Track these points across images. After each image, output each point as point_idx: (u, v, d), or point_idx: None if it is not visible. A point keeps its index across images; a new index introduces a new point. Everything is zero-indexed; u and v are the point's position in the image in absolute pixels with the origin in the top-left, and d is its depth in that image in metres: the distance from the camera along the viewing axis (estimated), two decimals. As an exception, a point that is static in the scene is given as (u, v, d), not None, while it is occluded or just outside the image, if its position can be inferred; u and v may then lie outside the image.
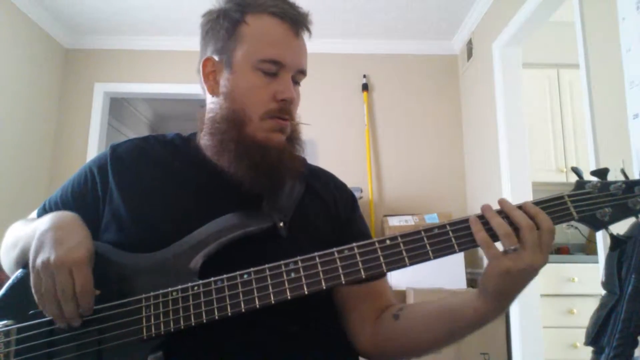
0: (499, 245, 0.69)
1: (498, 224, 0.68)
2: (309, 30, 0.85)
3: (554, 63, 3.21)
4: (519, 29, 2.54)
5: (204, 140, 0.85)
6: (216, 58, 0.84)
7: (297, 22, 0.83)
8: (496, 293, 0.69)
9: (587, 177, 0.75)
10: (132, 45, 3.54)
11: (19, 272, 0.78)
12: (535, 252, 0.66)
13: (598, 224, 0.71)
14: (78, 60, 3.55)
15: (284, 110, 0.81)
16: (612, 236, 0.72)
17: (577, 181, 0.74)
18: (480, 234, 0.68)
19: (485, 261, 0.70)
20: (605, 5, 1.77)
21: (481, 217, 0.70)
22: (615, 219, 0.71)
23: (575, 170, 0.75)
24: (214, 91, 0.84)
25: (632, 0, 1.59)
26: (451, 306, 0.76)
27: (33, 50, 3.19)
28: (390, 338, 0.82)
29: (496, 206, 0.71)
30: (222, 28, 0.83)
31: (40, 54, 3.28)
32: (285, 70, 0.81)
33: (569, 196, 0.72)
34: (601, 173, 0.74)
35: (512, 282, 0.67)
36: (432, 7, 3.10)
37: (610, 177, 0.74)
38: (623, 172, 0.74)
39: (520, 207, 0.70)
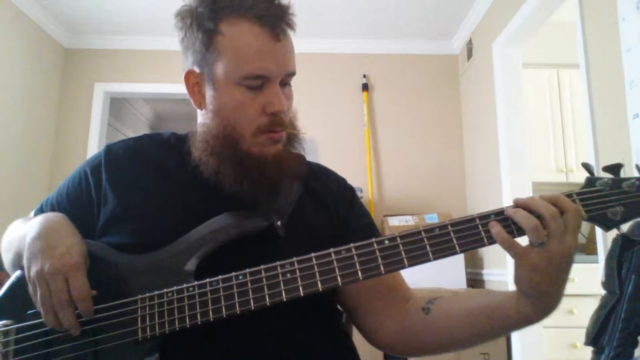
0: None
1: (524, 217, 0.64)
2: (291, 26, 0.78)
3: (554, 63, 3.21)
4: (519, 29, 2.54)
5: (197, 149, 0.82)
6: (197, 70, 0.79)
7: (278, 22, 0.75)
8: (534, 292, 0.65)
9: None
10: (132, 45, 3.54)
11: (18, 273, 0.78)
12: (563, 239, 0.62)
13: (609, 224, 0.67)
14: (78, 60, 3.55)
15: (275, 123, 0.77)
16: (624, 236, 0.69)
17: (587, 178, 0.69)
18: (500, 235, 0.65)
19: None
20: (605, 5, 1.77)
21: (496, 215, 0.67)
22: (628, 217, 0.66)
23: (586, 167, 0.71)
24: (201, 105, 0.81)
25: (632, 0, 1.59)
26: (492, 306, 0.72)
27: (33, 50, 3.19)
28: (420, 332, 0.79)
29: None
30: (197, 39, 0.77)
31: (40, 54, 3.28)
32: (271, 81, 0.76)
33: (578, 194, 0.68)
34: (613, 169, 0.69)
35: (545, 276, 0.63)
36: (432, 7, 3.10)
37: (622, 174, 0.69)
38: (638, 167, 0.69)
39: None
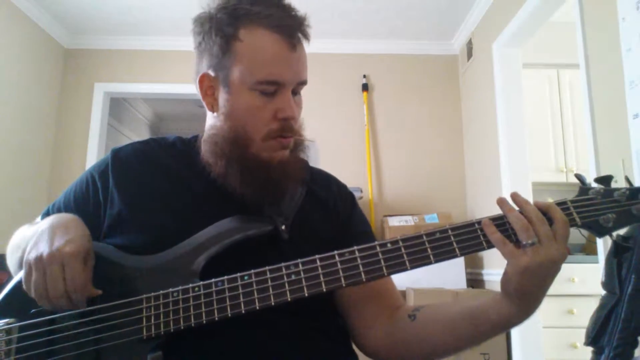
0: None
1: (516, 217, 0.67)
2: (307, 37, 0.81)
3: (554, 63, 3.21)
4: (519, 29, 2.54)
5: (205, 150, 0.84)
6: (212, 74, 0.80)
7: (294, 32, 0.78)
8: (519, 293, 0.67)
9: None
10: (132, 45, 3.54)
11: (22, 272, 0.79)
12: (551, 245, 0.66)
13: (601, 230, 0.71)
14: (78, 60, 3.55)
15: (286, 129, 0.79)
16: (615, 243, 0.72)
17: (581, 187, 0.73)
18: (494, 235, 0.68)
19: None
20: (605, 5, 1.78)
21: (494, 220, 0.70)
22: (619, 225, 0.71)
23: (579, 177, 0.75)
24: (213, 108, 0.82)
25: (632, 0, 1.59)
26: (473, 310, 0.74)
27: (33, 50, 3.19)
28: (406, 340, 0.81)
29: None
30: (215, 43, 0.78)
31: (40, 54, 3.28)
32: (284, 87, 0.78)
33: (572, 202, 0.72)
34: (605, 180, 0.74)
35: (533, 279, 0.66)
36: (432, 7, 3.10)
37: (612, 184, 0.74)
38: (627, 179, 0.74)
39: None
